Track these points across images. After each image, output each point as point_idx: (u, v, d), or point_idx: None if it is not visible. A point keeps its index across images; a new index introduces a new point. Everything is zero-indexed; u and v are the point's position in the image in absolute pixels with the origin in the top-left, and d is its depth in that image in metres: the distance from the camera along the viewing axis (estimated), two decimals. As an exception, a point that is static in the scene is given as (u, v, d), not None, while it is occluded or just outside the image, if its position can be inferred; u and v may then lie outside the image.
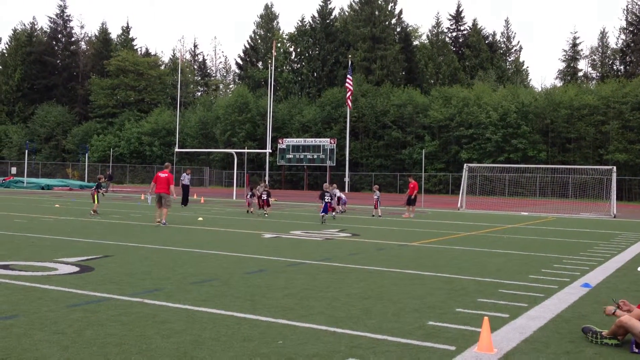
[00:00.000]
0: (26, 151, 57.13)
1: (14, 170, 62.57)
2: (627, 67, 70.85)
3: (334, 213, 22.95)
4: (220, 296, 7.50)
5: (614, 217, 28.52)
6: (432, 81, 72.98)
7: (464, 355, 5.29)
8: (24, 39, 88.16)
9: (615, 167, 32.97)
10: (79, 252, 11.21)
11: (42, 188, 49.16)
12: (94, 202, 21.34)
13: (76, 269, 9.37)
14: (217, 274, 9.16)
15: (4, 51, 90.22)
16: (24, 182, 52.01)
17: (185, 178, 29.15)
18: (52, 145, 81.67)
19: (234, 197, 39.96)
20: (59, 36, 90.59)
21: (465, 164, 36.32)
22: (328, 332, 5.92)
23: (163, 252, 11.75)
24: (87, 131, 78.98)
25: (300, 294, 7.77)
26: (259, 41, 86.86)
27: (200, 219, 20.62)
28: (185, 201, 28.44)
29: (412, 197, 25.48)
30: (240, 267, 9.93)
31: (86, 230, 15.58)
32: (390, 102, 62.52)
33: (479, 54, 75.56)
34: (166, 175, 18.25)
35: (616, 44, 74.29)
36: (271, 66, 47.54)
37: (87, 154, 63.95)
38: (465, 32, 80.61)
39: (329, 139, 59.99)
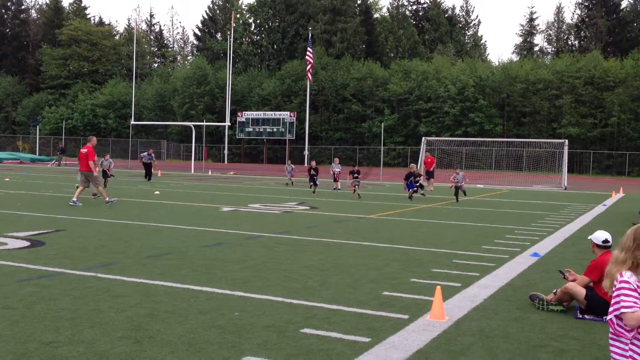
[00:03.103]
0: (-26, 123, 55.02)
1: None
2: (582, 42, 72.36)
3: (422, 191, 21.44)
4: (177, 269, 7.46)
5: (565, 189, 29.38)
6: (392, 54, 73.08)
7: (416, 323, 5.41)
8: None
9: (567, 141, 33.85)
10: (29, 227, 10.94)
11: (-8, 161, 47.54)
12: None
13: (27, 243, 9.15)
14: (173, 248, 9.08)
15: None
16: (-28, 156, 50.21)
17: (145, 157, 28.71)
18: (1, 117, 78.92)
19: (192, 171, 39.52)
20: (8, 4, 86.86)
21: (423, 138, 36.71)
22: (284, 303, 5.97)
23: (118, 226, 11.57)
24: (38, 103, 76.50)
25: (257, 267, 7.79)
26: (218, 12, 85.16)
27: (156, 192, 20.34)
28: (148, 176, 28.00)
29: (431, 170, 25.78)
30: (197, 241, 9.87)
31: (38, 205, 15.19)
32: (350, 76, 62.44)
33: (439, 28, 75.95)
34: (85, 150, 16.09)
35: (571, 19, 75.76)
36: (230, 38, 46.80)
37: (38, 126, 62.02)
38: (425, 5, 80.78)
39: (288, 112, 59.65)
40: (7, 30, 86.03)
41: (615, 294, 2.97)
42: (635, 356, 2.95)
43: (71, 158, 56.39)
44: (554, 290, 6.16)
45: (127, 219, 12.57)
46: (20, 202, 15.90)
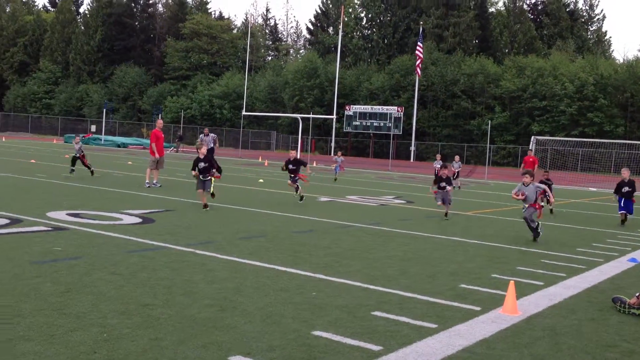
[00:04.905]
0: (104, 110, 59.77)
1: (93, 127, 65.70)
2: None
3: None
4: (265, 251, 7.97)
5: (690, 197, 27.15)
6: (506, 50, 70.59)
7: (487, 315, 5.50)
8: (104, 1, 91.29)
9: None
10: (143, 206, 11.98)
11: (118, 146, 51.55)
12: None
13: (139, 220, 10.09)
14: (265, 231, 9.64)
15: (86, 12, 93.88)
16: (101, 140, 54.70)
17: (205, 140, 25.55)
18: (128, 105, 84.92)
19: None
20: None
21: (532, 137, 35.35)
22: (361, 288, 6.26)
23: (220, 209, 12.36)
24: (161, 92, 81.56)
25: (342, 254, 8.13)
26: (330, 6, 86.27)
27: (260, 180, 21.27)
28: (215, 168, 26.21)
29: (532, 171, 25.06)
30: (289, 227, 10.38)
31: (153, 187, 16.46)
32: (461, 71, 61.09)
33: (559, 23, 72.28)
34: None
35: None
36: (340, 32, 47.44)
37: (160, 115, 66.21)
38: (544, -1, 77.13)
39: (396, 107, 59.49)
40: (136, 24, 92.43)
41: None
42: None
43: (188, 146, 59.83)
44: (637, 294, 5.99)
45: (229, 204, 13.38)
46: (138, 184, 17.27)
